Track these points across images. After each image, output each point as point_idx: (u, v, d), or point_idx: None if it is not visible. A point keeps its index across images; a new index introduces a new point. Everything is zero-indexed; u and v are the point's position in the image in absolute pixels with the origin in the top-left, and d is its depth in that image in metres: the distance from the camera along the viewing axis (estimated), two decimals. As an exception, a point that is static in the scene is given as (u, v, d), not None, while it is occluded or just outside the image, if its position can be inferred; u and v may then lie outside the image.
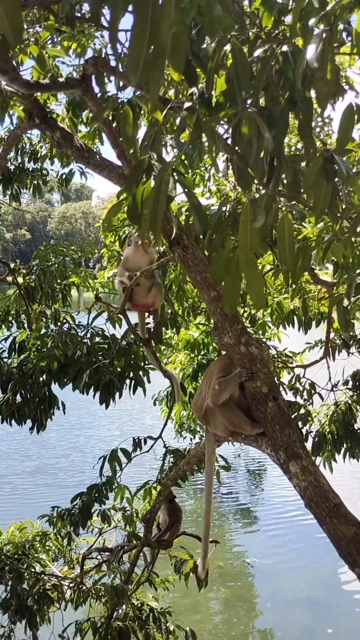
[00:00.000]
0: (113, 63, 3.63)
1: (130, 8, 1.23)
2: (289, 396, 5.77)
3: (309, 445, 5.69)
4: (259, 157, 2.07)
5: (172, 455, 4.81)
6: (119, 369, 4.20)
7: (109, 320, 4.42)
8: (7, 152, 5.02)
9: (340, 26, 2.17)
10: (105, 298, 5.00)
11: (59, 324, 4.78)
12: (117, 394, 4.22)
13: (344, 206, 2.93)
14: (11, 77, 3.43)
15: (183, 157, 3.13)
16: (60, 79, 3.75)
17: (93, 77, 3.68)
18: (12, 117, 4.34)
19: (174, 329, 4.98)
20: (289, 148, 5.55)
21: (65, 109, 4.85)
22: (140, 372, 4.28)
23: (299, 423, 5.76)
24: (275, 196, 2.30)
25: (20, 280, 5.41)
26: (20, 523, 5.52)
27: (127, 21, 1.41)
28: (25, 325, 5.24)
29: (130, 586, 4.75)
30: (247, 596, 9.16)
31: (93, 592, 5.01)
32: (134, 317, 4.38)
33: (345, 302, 4.63)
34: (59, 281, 5.49)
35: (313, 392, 6.12)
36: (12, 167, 6.36)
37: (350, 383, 6.03)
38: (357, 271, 3.83)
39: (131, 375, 4.27)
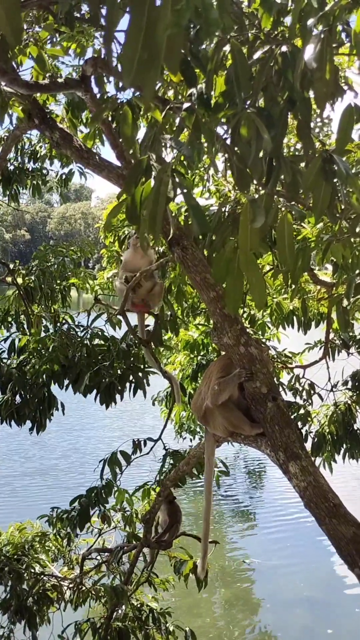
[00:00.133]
0: (113, 63, 3.63)
1: (127, 9, 1.23)
2: (288, 396, 5.77)
3: (308, 445, 5.69)
4: (258, 157, 2.07)
5: (171, 457, 4.80)
6: (119, 371, 4.20)
7: (109, 322, 4.42)
8: (7, 153, 5.02)
9: (339, 27, 2.17)
10: (105, 299, 5.00)
11: (58, 324, 4.78)
12: (118, 396, 4.22)
13: (343, 207, 2.93)
14: (11, 78, 3.43)
15: (182, 158, 3.13)
16: (60, 80, 3.75)
17: (92, 77, 3.69)
18: (11, 117, 4.34)
19: (173, 331, 4.99)
20: (288, 149, 5.55)
21: (64, 109, 4.85)
22: (140, 374, 4.28)
23: (299, 423, 5.76)
24: (275, 196, 2.30)
25: (19, 280, 5.41)
26: (19, 523, 5.52)
27: (124, 22, 1.41)
28: (25, 326, 5.23)
29: (129, 587, 4.75)
30: (247, 596, 9.15)
31: (92, 592, 5.01)
32: (133, 318, 4.38)
33: (345, 303, 4.63)
34: (58, 282, 5.49)
35: (312, 392, 6.12)
36: (11, 168, 6.36)
37: (350, 383, 6.03)
38: (357, 271, 3.83)
39: (131, 377, 4.26)
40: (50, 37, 4.05)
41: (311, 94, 2.16)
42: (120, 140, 3.56)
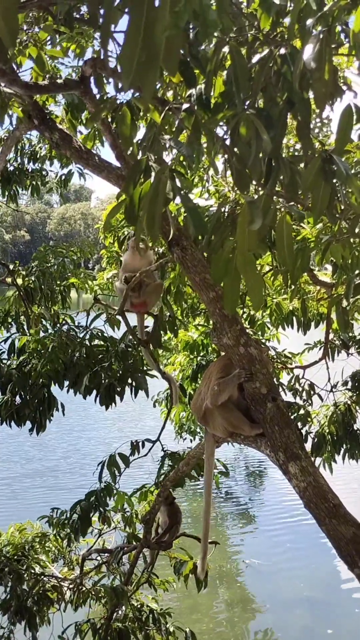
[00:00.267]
0: (112, 64, 3.63)
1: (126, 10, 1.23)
2: (288, 397, 5.77)
3: (308, 446, 5.69)
4: (257, 158, 2.07)
5: (169, 459, 4.80)
6: (118, 373, 4.20)
7: (108, 322, 4.42)
8: (7, 153, 5.02)
9: (338, 27, 2.18)
10: (105, 299, 5.00)
11: (58, 325, 4.78)
12: (117, 398, 4.21)
13: (342, 207, 2.93)
14: (10, 79, 3.43)
15: (182, 158, 3.13)
16: (59, 81, 3.75)
17: (92, 78, 3.69)
18: (11, 118, 4.35)
19: (172, 332, 4.99)
20: (288, 149, 5.55)
21: (64, 110, 4.85)
22: (140, 375, 4.28)
23: (298, 424, 5.76)
24: (274, 197, 2.30)
25: (19, 281, 5.41)
26: (20, 524, 5.52)
27: (122, 23, 1.41)
28: (25, 327, 5.23)
29: (129, 587, 4.75)
30: (247, 597, 9.15)
31: (93, 593, 5.01)
32: (133, 319, 4.38)
33: (344, 303, 4.63)
34: (58, 282, 5.48)
35: (312, 392, 6.12)
36: (11, 168, 6.36)
37: (350, 384, 6.03)
38: (356, 272, 3.83)
39: (130, 379, 4.26)
40: (49, 38, 4.05)
41: (310, 94, 2.16)
42: (120, 140, 3.56)
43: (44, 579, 5.08)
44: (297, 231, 4.42)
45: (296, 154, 5.05)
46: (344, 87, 2.35)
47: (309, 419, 5.94)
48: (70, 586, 5.10)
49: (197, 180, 6.03)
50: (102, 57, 3.53)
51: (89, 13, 3.30)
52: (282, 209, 2.46)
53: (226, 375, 3.31)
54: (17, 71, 3.78)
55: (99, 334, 4.41)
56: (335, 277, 4.69)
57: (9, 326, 5.37)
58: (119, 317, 4.29)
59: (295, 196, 2.38)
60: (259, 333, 6.59)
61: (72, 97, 4.56)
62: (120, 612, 4.72)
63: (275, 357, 6.18)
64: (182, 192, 2.01)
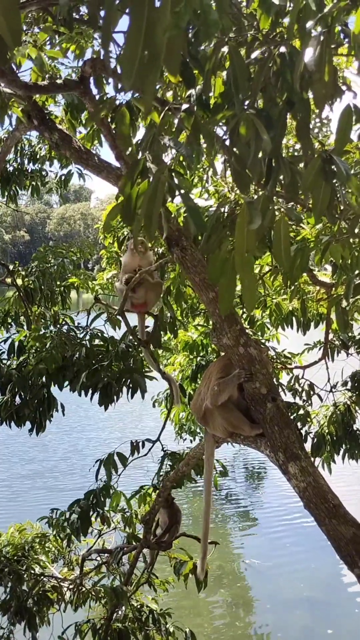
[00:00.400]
0: (112, 64, 3.63)
1: (126, 11, 1.23)
2: (288, 397, 5.77)
3: (308, 446, 5.69)
4: (257, 158, 2.07)
5: (169, 459, 4.80)
6: (117, 372, 4.20)
7: (108, 322, 4.42)
8: (6, 154, 5.02)
9: (338, 28, 2.18)
10: (105, 299, 5.00)
11: (58, 325, 4.77)
12: (115, 397, 4.21)
13: (342, 207, 2.93)
14: (10, 79, 3.44)
15: (181, 159, 3.13)
16: (59, 81, 3.75)
17: (91, 78, 3.69)
18: (11, 118, 4.34)
19: (172, 333, 4.99)
20: (287, 149, 5.55)
21: (63, 110, 4.85)
22: (139, 376, 4.28)
23: (298, 424, 5.76)
24: (273, 198, 2.30)
25: (19, 282, 5.41)
26: (19, 524, 5.52)
27: (122, 23, 1.41)
28: (25, 327, 5.23)
29: (129, 587, 4.75)
30: (247, 597, 9.15)
31: (92, 593, 5.01)
32: (133, 319, 4.38)
33: (344, 303, 4.64)
34: (58, 283, 5.48)
35: (312, 393, 6.13)
36: (10, 169, 6.36)
37: (349, 384, 6.03)
38: (356, 272, 3.83)
39: (129, 380, 4.26)
40: (49, 39, 4.05)
41: (310, 94, 2.16)
42: (119, 140, 3.56)
43: (44, 579, 5.08)
44: (296, 231, 4.42)
45: (296, 154, 5.06)
46: (344, 88, 2.35)
47: (309, 419, 5.95)
48: (70, 586, 5.10)
49: (197, 181, 6.03)
50: (102, 58, 3.53)
51: (89, 13, 3.30)
52: (281, 209, 2.46)
53: (226, 376, 3.31)
54: (17, 72, 3.78)
55: (99, 334, 4.41)
56: (334, 278, 4.69)
57: (9, 326, 5.37)
58: (119, 317, 4.29)
59: (295, 196, 2.38)
60: (259, 333, 6.59)
61: (71, 97, 4.56)
62: (120, 612, 4.72)
63: (275, 357, 6.18)
64: (182, 191, 2.01)
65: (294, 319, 6.29)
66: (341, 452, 5.87)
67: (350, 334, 5.97)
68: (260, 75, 2.11)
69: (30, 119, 3.83)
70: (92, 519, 4.81)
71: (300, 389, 6.10)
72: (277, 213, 2.33)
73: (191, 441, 10.41)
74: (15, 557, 5.11)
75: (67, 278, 5.55)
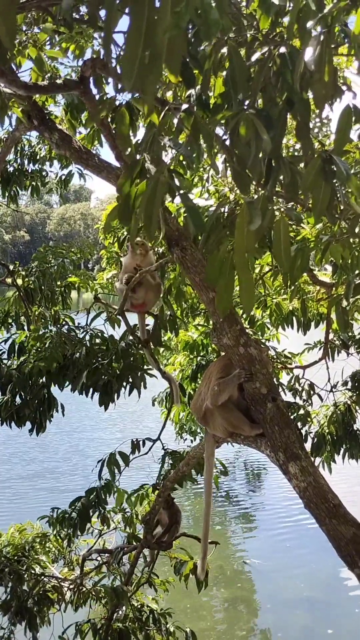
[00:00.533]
0: (112, 65, 3.63)
1: (126, 11, 1.23)
2: (288, 397, 5.77)
3: (308, 446, 5.69)
4: (257, 158, 2.07)
5: (170, 457, 4.81)
6: (117, 371, 4.20)
7: (108, 321, 4.42)
8: (6, 154, 5.02)
9: (338, 28, 2.18)
10: (105, 298, 5.01)
11: (58, 325, 4.78)
12: (115, 396, 4.22)
13: (342, 207, 2.93)
14: (10, 79, 3.43)
15: (181, 158, 3.13)
16: (59, 81, 3.75)
17: (91, 78, 3.69)
18: (11, 118, 4.34)
19: (173, 332, 4.99)
20: (287, 149, 5.55)
21: (63, 110, 4.85)
22: (139, 374, 4.28)
23: (298, 424, 5.77)
24: (273, 198, 2.30)
25: (19, 282, 5.40)
26: (20, 525, 5.52)
27: (123, 23, 1.41)
28: (25, 328, 5.23)
29: (130, 587, 4.75)
30: (247, 597, 9.15)
31: (93, 593, 5.01)
32: (133, 318, 4.39)
33: (344, 303, 4.64)
34: (58, 283, 5.48)
35: (312, 392, 6.13)
36: (11, 169, 6.36)
37: (350, 384, 6.03)
38: (356, 272, 3.83)
39: (130, 377, 4.27)
40: (49, 39, 4.05)
41: (310, 94, 2.16)
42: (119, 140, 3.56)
43: (44, 579, 5.08)
44: (296, 231, 4.42)
45: (296, 154, 5.06)
46: (344, 88, 2.35)
47: (309, 419, 5.95)
48: (71, 586, 5.10)
49: (197, 180, 6.03)
50: (103, 58, 3.53)
51: (89, 13, 3.30)
52: (281, 209, 2.46)
53: (226, 376, 3.31)
54: (17, 72, 3.78)
55: (99, 334, 4.41)
56: (335, 277, 4.69)
57: (9, 327, 5.37)
58: (119, 317, 4.29)
59: (295, 196, 2.38)
60: (259, 333, 6.59)
61: (71, 97, 4.56)
62: (120, 612, 4.72)
63: (275, 357, 6.18)
64: (181, 191, 2.01)
65: (294, 318, 6.29)
66: (341, 452, 5.87)
67: (350, 334, 5.97)
68: (260, 75, 2.11)
69: (30, 119, 3.83)
70: (94, 518, 4.82)
71: (300, 389, 6.10)
72: (277, 213, 2.33)
73: (191, 441, 10.41)
74: (15, 557, 5.11)
75: (67, 278, 5.54)
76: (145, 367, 4.36)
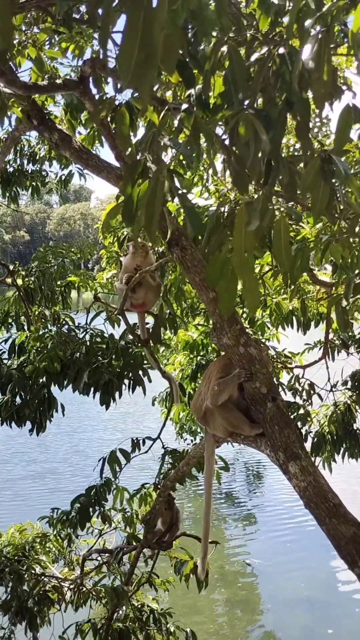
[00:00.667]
0: (112, 64, 3.63)
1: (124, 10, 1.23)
2: (288, 397, 5.77)
3: (308, 445, 5.69)
4: (256, 158, 2.07)
5: (170, 456, 4.81)
6: (118, 369, 4.21)
7: (108, 321, 4.43)
8: (6, 154, 5.02)
9: (337, 27, 2.18)
10: (105, 298, 5.01)
11: (58, 325, 4.78)
12: (117, 394, 4.22)
13: (342, 207, 2.94)
14: (9, 79, 3.43)
15: (181, 158, 3.13)
16: (58, 81, 3.75)
17: (91, 78, 3.69)
18: (10, 118, 4.34)
19: (172, 330, 5.00)
20: (287, 149, 5.56)
21: (63, 110, 4.85)
22: (140, 372, 4.29)
23: (298, 423, 5.77)
24: (272, 198, 2.30)
25: (19, 282, 5.41)
26: (20, 525, 5.52)
27: (121, 23, 1.41)
28: (25, 327, 5.23)
29: (130, 587, 4.75)
30: (247, 597, 9.15)
31: (93, 593, 5.01)
32: (133, 318, 4.39)
33: (344, 303, 4.64)
34: (58, 283, 5.48)
35: (312, 392, 6.13)
36: (10, 169, 6.36)
37: (350, 383, 6.03)
38: (356, 271, 3.83)
39: (130, 375, 4.27)
40: (48, 39, 4.05)
41: (309, 94, 2.16)
42: (119, 140, 3.56)
43: (45, 579, 5.08)
44: (296, 231, 4.42)
45: (296, 154, 5.06)
46: (344, 87, 2.35)
47: (309, 419, 5.95)
48: (71, 586, 5.10)
49: (197, 180, 6.03)
50: (101, 57, 3.53)
51: (88, 13, 3.30)
52: (281, 209, 2.46)
53: (226, 375, 3.31)
54: (17, 72, 3.78)
55: (99, 333, 4.42)
56: (335, 277, 4.69)
57: (9, 326, 5.38)
58: (119, 316, 4.30)
59: (294, 196, 2.38)
60: (259, 333, 6.59)
61: (71, 97, 4.56)
62: (120, 612, 4.72)
63: (275, 356, 6.18)
64: (180, 192, 2.01)
65: (294, 318, 6.30)
66: (341, 452, 5.87)
67: (350, 334, 5.97)
68: (260, 75, 2.11)
69: (29, 119, 3.83)
70: (94, 517, 4.82)
71: (300, 389, 6.10)
72: (277, 213, 2.33)
73: (192, 441, 10.42)
74: (15, 557, 5.11)
75: (67, 278, 5.55)
76: (145, 364, 4.37)
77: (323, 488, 2.97)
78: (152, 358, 4.37)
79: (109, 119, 3.94)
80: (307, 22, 1.94)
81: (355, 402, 5.89)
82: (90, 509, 4.65)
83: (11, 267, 5.58)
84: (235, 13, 2.25)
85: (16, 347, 4.52)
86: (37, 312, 5.25)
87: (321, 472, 3.11)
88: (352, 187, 2.40)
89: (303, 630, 8.25)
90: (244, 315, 6.32)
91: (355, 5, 2.05)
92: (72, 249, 5.75)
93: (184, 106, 2.25)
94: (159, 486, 4.59)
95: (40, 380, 4.26)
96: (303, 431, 5.78)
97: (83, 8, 3.50)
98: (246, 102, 2.11)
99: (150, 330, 4.44)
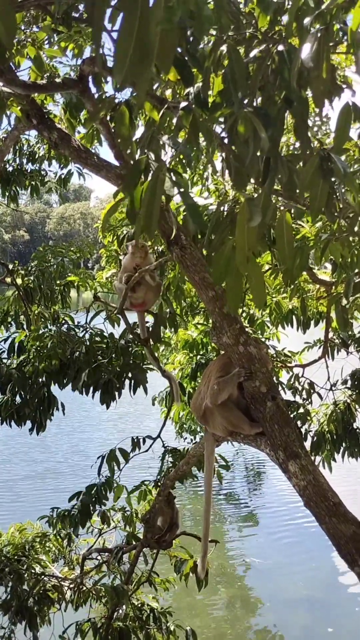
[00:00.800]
0: (111, 64, 3.62)
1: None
2: (287, 395, 5.77)
3: (308, 444, 5.69)
4: (255, 157, 2.07)
5: (170, 455, 4.81)
6: (117, 369, 4.21)
7: (108, 320, 4.43)
8: (5, 154, 5.01)
9: (337, 25, 2.17)
10: (104, 297, 5.01)
11: (57, 324, 4.78)
12: (116, 394, 4.22)
13: (341, 205, 2.93)
14: (8, 78, 3.43)
15: (181, 157, 3.13)
16: (58, 80, 3.74)
17: (90, 77, 3.68)
18: (9, 117, 4.34)
19: (172, 329, 5.00)
20: (287, 148, 5.55)
21: (62, 109, 4.85)
22: (139, 371, 4.29)
23: (298, 422, 5.77)
24: (272, 195, 2.30)
25: (19, 281, 5.41)
26: (20, 524, 5.52)
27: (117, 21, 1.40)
28: (25, 327, 5.23)
29: (130, 586, 4.75)
30: (247, 596, 9.16)
31: (93, 592, 5.01)
32: (132, 317, 4.39)
33: (344, 302, 4.63)
34: (58, 282, 5.48)
35: (312, 391, 6.12)
36: (10, 169, 6.36)
37: (349, 382, 6.03)
38: (356, 270, 3.83)
39: (130, 375, 4.27)
40: (47, 38, 4.05)
41: (309, 92, 2.16)
42: (118, 140, 3.56)
43: (45, 578, 5.08)
44: (296, 230, 4.42)
45: (295, 152, 5.05)
46: (343, 86, 2.35)
47: (309, 418, 5.95)
48: (71, 586, 5.10)
49: (197, 179, 6.03)
50: (93, 53, 3.52)
51: (86, 11, 3.30)
52: (282, 207, 2.46)
53: (226, 374, 3.31)
54: (16, 71, 3.77)
55: (99, 333, 4.42)
56: (334, 276, 4.69)
57: (9, 326, 5.38)
58: (119, 316, 4.30)
59: (293, 195, 2.38)
60: (259, 332, 6.59)
61: (70, 96, 4.56)
62: (120, 611, 4.72)
63: (274, 355, 6.18)
64: (181, 189, 2.01)
65: (293, 317, 6.29)
66: (341, 451, 5.87)
67: (350, 333, 5.97)
68: (259, 73, 2.10)
69: (29, 118, 3.82)
70: (94, 516, 4.82)
71: (300, 388, 6.10)
72: (278, 210, 2.33)
73: (192, 440, 10.41)
74: (15, 557, 5.11)
75: (66, 277, 5.55)
76: (145, 364, 4.37)
77: (323, 487, 2.97)
78: (152, 357, 4.37)
79: (108, 118, 3.94)
80: (306, 21, 1.94)
81: (355, 401, 5.89)
82: (91, 507, 4.65)
83: (11, 267, 5.58)
84: (234, 11, 2.25)
85: (16, 347, 4.52)
86: (36, 312, 5.25)
87: (321, 471, 3.11)
88: (351, 186, 2.39)
89: (303, 629, 8.25)
90: (244, 314, 6.33)
91: (354, 4, 2.05)
92: (72, 248, 5.75)
93: (183, 104, 2.25)
94: (159, 483, 4.59)
95: (40, 379, 4.26)
96: (303, 430, 5.78)
97: (82, 7, 3.49)
98: (245, 101, 2.11)
99: (150, 329, 4.43)
